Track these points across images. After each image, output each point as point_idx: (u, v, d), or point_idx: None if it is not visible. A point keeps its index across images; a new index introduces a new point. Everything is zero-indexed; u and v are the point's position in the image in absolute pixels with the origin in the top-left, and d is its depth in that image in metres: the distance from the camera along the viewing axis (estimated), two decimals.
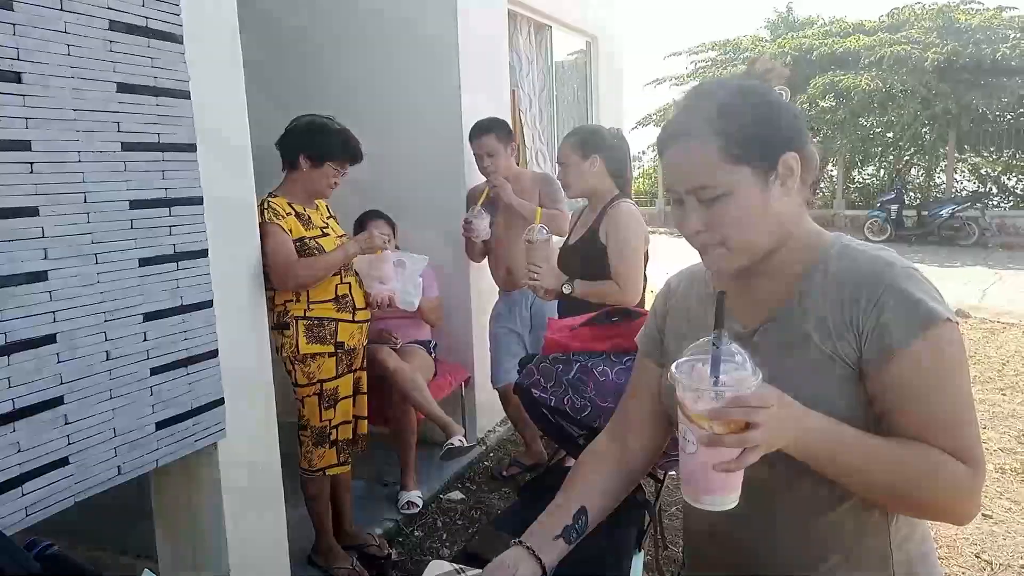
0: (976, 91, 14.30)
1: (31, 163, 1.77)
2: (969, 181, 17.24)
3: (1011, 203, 16.26)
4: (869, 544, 1.10)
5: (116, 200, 1.99)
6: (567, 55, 6.42)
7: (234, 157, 2.44)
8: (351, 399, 3.02)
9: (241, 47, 2.44)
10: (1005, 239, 13.70)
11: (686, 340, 1.19)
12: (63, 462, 1.87)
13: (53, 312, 1.84)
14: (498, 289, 3.97)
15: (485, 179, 3.75)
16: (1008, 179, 16.79)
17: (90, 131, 1.91)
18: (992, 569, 3.01)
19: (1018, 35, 14.53)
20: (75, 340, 1.89)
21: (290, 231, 2.76)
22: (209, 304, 2.29)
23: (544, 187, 3.74)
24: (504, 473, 4.01)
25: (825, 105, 16.11)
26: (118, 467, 2.02)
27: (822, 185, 18.97)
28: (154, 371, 2.12)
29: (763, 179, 1.03)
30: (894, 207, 14.45)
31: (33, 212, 1.78)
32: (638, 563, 1.93)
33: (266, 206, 2.74)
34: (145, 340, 2.09)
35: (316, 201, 2.97)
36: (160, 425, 2.14)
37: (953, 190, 16.07)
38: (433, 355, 3.92)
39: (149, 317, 2.10)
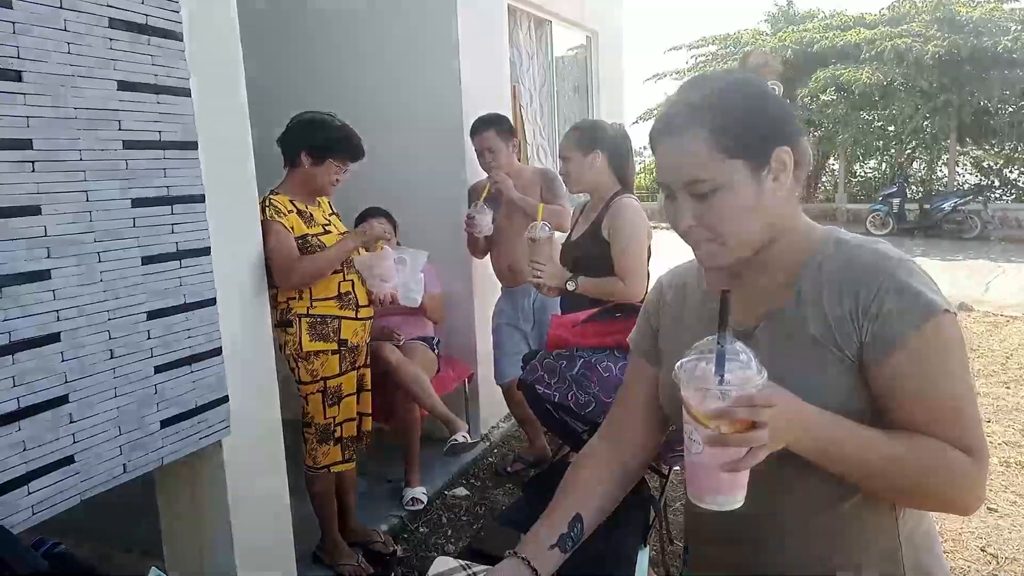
0: (977, 84, 14.26)
1: (32, 162, 1.77)
2: (971, 174, 17.23)
3: (1013, 196, 16.24)
4: (877, 539, 1.09)
5: (118, 198, 1.99)
6: (567, 50, 6.41)
7: (235, 154, 2.44)
8: (355, 396, 3.02)
9: (241, 44, 2.43)
10: (1007, 232, 13.68)
11: (681, 339, 1.18)
12: (68, 461, 1.87)
13: (56, 311, 1.83)
14: (500, 285, 3.97)
15: (486, 175, 3.75)
16: (1010, 172, 16.77)
17: (91, 129, 1.91)
18: (998, 562, 3.01)
19: (1019, 27, 14.48)
20: (79, 339, 1.89)
21: (292, 228, 2.76)
22: (212, 302, 2.29)
23: (545, 182, 3.74)
24: (508, 469, 4.02)
25: (826, 99, 16.09)
26: (123, 465, 2.02)
27: (824, 179, 19.00)
28: (158, 369, 2.12)
29: (756, 173, 1.03)
30: (896, 201, 14.43)
31: (35, 211, 1.78)
32: (643, 558, 1.93)
33: (267, 204, 2.74)
34: (149, 338, 2.09)
35: (318, 198, 2.97)
36: (165, 423, 2.14)
37: (955, 183, 16.05)
38: (436, 351, 3.91)
39: (152, 315, 2.10)
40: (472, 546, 1.84)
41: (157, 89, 2.09)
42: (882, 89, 15.06)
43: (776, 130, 1.04)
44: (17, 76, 1.73)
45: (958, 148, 16.13)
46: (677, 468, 2.67)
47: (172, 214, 2.15)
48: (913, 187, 16.71)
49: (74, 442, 1.89)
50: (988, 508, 3.44)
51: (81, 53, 1.88)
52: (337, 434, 2.95)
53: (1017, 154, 16.17)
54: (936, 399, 1.00)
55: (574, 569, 1.24)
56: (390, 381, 3.45)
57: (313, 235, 2.81)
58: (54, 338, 1.83)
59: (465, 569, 1.54)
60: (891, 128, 16.27)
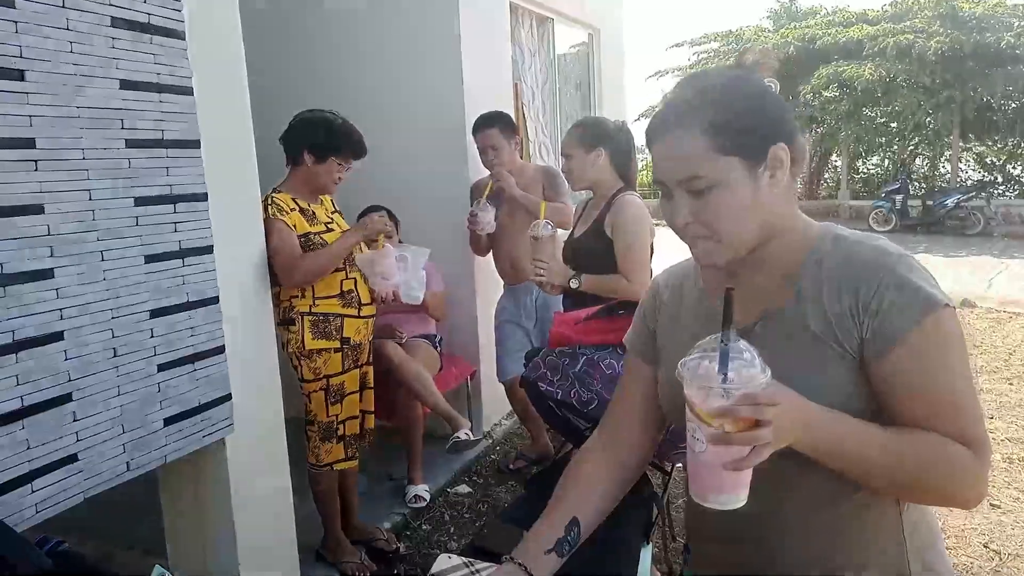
0: (980, 80, 14.23)
1: (35, 161, 1.77)
2: (974, 170, 17.19)
3: (1016, 192, 16.21)
4: (880, 535, 1.09)
5: (121, 197, 1.99)
6: (569, 48, 6.40)
7: (238, 153, 2.44)
8: (358, 394, 3.02)
9: (243, 42, 2.43)
10: (1010, 228, 13.65)
11: (680, 338, 1.18)
12: (72, 459, 1.88)
13: (60, 310, 1.84)
14: (503, 283, 3.97)
15: (488, 172, 3.75)
16: (1013, 168, 16.74)
17: (94, 128, 1.91)
18: (1001, 559, 3.01)
19: (1022, 23, 14.44)
20: (82, 337, 1.90)
21: (294, 227, 2.76)
22: (215, 300, 2.30)
23: (547, 180, 3.74)
24: (511, 466, 4.02)
25: (829, 95, 16.06)
26: (127, 463, 2.03)
27: (826, 176, 18.97)
28: (161, 367, 2.12)
29: (752, 170, 1.02)
30: (899, 197, 14.41)
31: (38, 210, 1.78)
32: (646, 555, 1.93)
33: (270, 202, 2.74)
34: (152, 337, 2.09)
35: (321, 197, 2.97)
36: (168, 421, 2.15)
37: (958, 180, 16.03)
38: (438, 349, 3.92)
39: (155, 314, 2.10)
40: (475, 543, 1.85)
41: (159, 88, 2.09)
42: (885, 85, 15.02)
43: (773, 127, 1.04)
44: (20, 75, 1.73)
45: (961, 144, 16.10)
46: (680, 465, 2.67)
47: (175, 213, 2.15)
48: (916, 183, 16.68)
49: (77, 440, 1.89)
50: (991, 504, 3.44)
51: (84, 52, 1.88)
52: (340, 432, 2.95)
53: (1020, 150, 16.15)
54: (936, 393, 1.00)
55: (577, 566, 1.24)
56: (392, 379, 3.46)
57: (315, 233, 2.81)
58: (57, 337, 1.84)
59: (468, 566, 1.54)
60: (894, 124, 16.25)
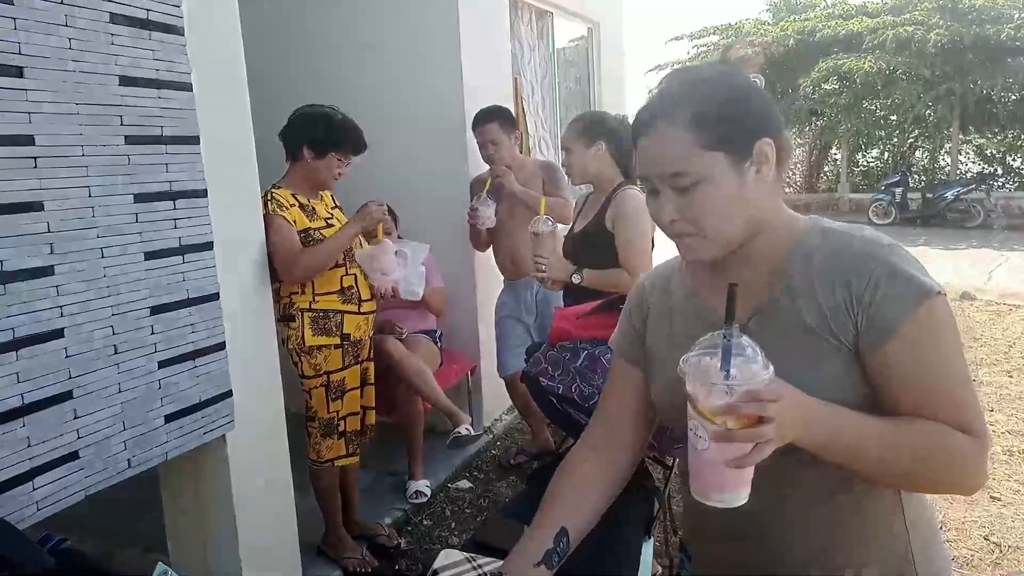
0: (980, 72, 14.20)
1: (35, 158, 1.77)
2: (974, 163, 17.17)
3: (1016, 184, 16.19)
4: (884, 529, 1.10)
5: (120, 194, 1.99)
6: (569, 42, 6.39)
7: (237, 149, 2.43)
8: (359, 390, 3.02)
9: (242, 39, 2.42)
10: (1010, 221, 13.64)
11: (671, 337, 1.18)
12: (73, 456, 1.88)
13: (60, 307, 1.84)
14: (503, 278, 3.97)
15: (488, 167, 3.75)
16: (1013, 160, 16.71)
17: (93, 125, 1.91)
18: (1001, 551, 3.01)
19: (1022, 15, 14.41)
20: (82, 335, 1.89)
21: (294, 222, 2.76)
22: (215, 297, 2.30)
23: (547, 175, 3.74)
24: (511, 461, 4.03)
25: (828, 88, 16.03)
26: (128, 460, 2.03)
27: (826, 169, 18.95)
28: (162, 364, 2.12)
29: (738, 166, 1.02)
30: (899, 190, 14.40)
31: (38, 207, 1.78)
32: (647, 549, 1.94)
33: (269, 198, 2.74)
34: (152, 334, 2.09)
35: (320, 192, 2.96)
36: (169, 418, 2.15)
37: (958, 172, 16.00)
38: (439, 344, 3.92)
39: (156, 311, 2.10)
40: (476, 539, 1.85)
41: (159, 84, 2.08)
42: (884, 78, 14.99)
43: (758, 123, 1.04)
44: (19, 72, 1.73)
45: (961, 137, 16.07)
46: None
47: (175, 209, 2.15)
48: (916, 176, 16.67)
49: (78, 438, 1.89)
50: (991, 497, 3.44)
51: (83, 49, 1.87)
52: (341, 428, 2.96)
53: (1020, 142, 16.11)
54: (933, 382, 1.00)
55: (579, 561, 1.24)
56: (393, 374, 3.46)
57: (315, 229, 2.81)
58: (57, 334, 1.83)
59: (470, 561, 1.54)
60: (893, 117, 16.21)
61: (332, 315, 2.86)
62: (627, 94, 7.11)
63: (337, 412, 2.93)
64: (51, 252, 1.81)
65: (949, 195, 13.79)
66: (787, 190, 19.09)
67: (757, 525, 1.11)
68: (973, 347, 5.96)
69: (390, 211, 3.74)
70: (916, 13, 15.31)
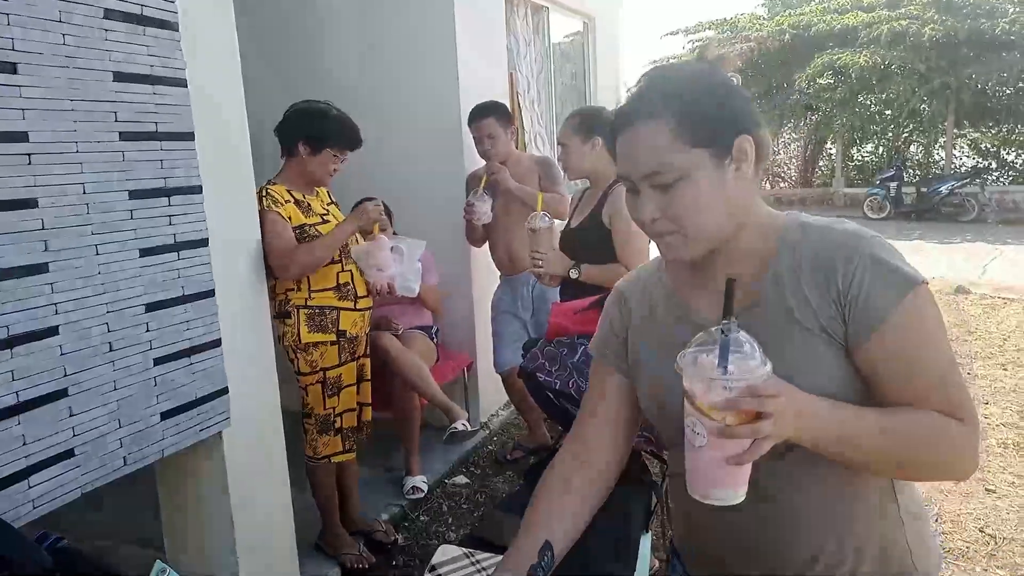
0: (975, 66, 14.21)
1: (29, 154, 1.76)
2: (968, 157, 17.20)
3: (1011, 178, 16.22)
4: (883, 517, 1.10)
5: (115, 190, 1.98)
6: (564, 37, 6.38)
7: (232, 145, 2.42)
8: (355, 387, 3.02)
9: (237, 33, 2.41)
10: (1005, 215, 13.66)
11: (657, 339, 1.18)
12: (69, 454, 1.87)
13: (55, 304, 1.83)
14: (499, 274, 3.97)
15: (484, 163, 3.74)
16: (1007, 154, 16.75)
17: (87, 121, 1.90)
18: (996, 543, 3.03)
19: (1017, 10, 14.42)
20: (77, 332, 1.89)
21: (289, 218, 2.75)
22: (211, 293, 2.29)
23: (543, 170, 3.73)
24: (508, 457, 4.03)
25: (823, 83, 16.05)
26: (124, 458, 2.02)
27: (821, 163, 18.97)
28: (157, 361, 2.12)
29: (718, 163, 1.02)
30: (893, 184, 14.42)
31: (32, 204, 1.77)
32: (646, 543, 1.94)
33: (264, 193, 2.73)
34: (148, 331, 2.08)
35: (316, 188, 2.95)
36: (165, 415, 2.14)
37: (952, 166, 16.03)
38: (435, 340, 3.91)
39: (151, 307, 2.09)
40: (474, 534, 1.85)
41: (153, 80, 2.08)
42: (879, 72, 15.01)
43: (737, 119, 1.04)
44: (12, 68, 1.72)
45: (955, 131, 16.10)
46: None
47: (169, 206, 2.14)
48: (910, 170, 16.69)
49: (74, 435, 1.89)
50: (986, 489, 3.46)
51: (77, 44, 1.86)
52: (337, 424, 2.95)
53: (1014, 136, 16.15)
54: (923, 370, 1.01)
55: (578, 557, 1.24)
56: (389, 370, 3.46)
57: (311, 225, 2.80)
58: (53, 331, 1.83)
59: (468, 557, 1.55)
60: (888, 112, 16.24)
61: (328, 312, 2.85)
62: (623, 89, 7.11)
63: (333, 408, 2.93)
64: (45, 249, 1.80)
65: (944, 189, 13.81)
66: (782, 185, 19.17)
67: (755, 523, 1.11)
68: (968, 341, 5.98)
69: (385, 208, 3.74)
70: (911, 8, 15.31)
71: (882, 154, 18.07)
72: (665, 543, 2.45)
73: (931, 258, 9.76)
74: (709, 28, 18.93)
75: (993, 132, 16.41)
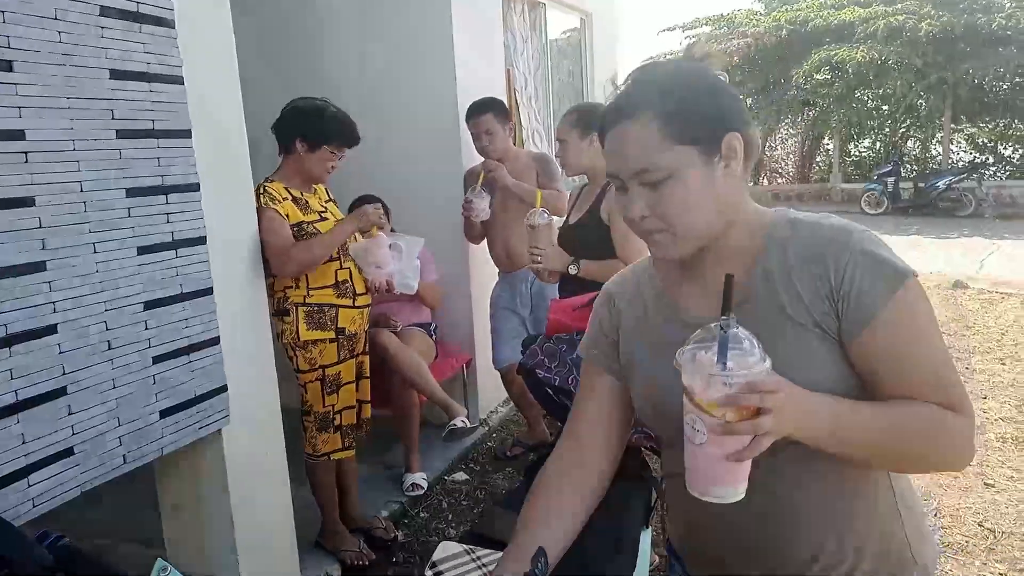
0: (972, 61, 14.22)
1: (25, 153, 1.75)
2: (965, 152, 17.21)
3: (1007, 173, 16.24)
4: (881, 510, 1.11)
5: (112, 188, 1.97)
6: (561, 33, 6.37)
7: (230, 142, 2.42)
8: (354, 384, 3.01)
9: (234, 31, 2.41)
10: (1002, 209, 13.68)
11: (650, 340, 1.17)
12: (68, 452, 1.87)
13: (53, 303, 1.83)
14: (497, 270, 3.96)
15: (483, 159, 3.74)
16: (1004, 148, 16.76)
17: (84, 119, 1.89)
18: (995, 537, 3.03)
19: (1013, 5, 14.43)
20: (76, 330, 1.88)
21: (287, 216, 2.74)
22: (209, 291, 2.28)
23: (541, 166, 3.73)
24: (508, 453, 4.03)
25: (821, 78, 16.05)
26: (123, 456, 2.02)
27: (818, 159, 18.97)
28: (156, 359, 2.11)
29: (707, 160, 1.02)
30: (891, 180, 14.44)
31: (29, 202, 1.76)
32: (646, 539, 1.94)
33: (262, 191, 2.72)
34: (146, 329, 2.08)
35: (314, 185, 2.95)
36: (164, 413, 2.14)
37: (950, 161, 16.04)
38: (434, 337, 3.91)
39: (149, 305, 2.09)
40: (475, 530, 1.85)
41: (150, 77, 2.07)
42: (876, 68, 15.01)
43: (726, 116, 1.04)
44: (8, 66, 1.71)
45: (952, 126, 16.11)
46: None
47: (167, 203, 2.14)
48: (908, 166, 16.70)
49: (73, 434, 1.89)
50: (985, 484, 3.46)
51: (73, 42, 1.86)
52: (336, 422, 2.95)
53: (1011, 131, 16.17)
54: (918, 363, 1.01)
55: (578, 552, 1.24)
56: (388, 368, 3.45)
57: (309, 222, 2.80)
58: (51, 330, 1.82)
59: (469, 553, 1.55)
60: (885, 107, 16.24)
61: (327, 309, 2.85)
62: (618, 85, 7.09)
63: (333, 406, 2.93)
64: (43, 248, 1.80)
65: (941, 184, 13.83)
66: (779, 181, 19.17)
67: (754, 521, 1.10)
68: (966, 335, 5.99)
69: (381, 204, 3.73)
70: (908, 3, 15.31)
71: (879, 149, 18.08)
72: (665, 538, 2.45)
73: (929, 253, 9.78)
74: (706, 24, 18.92)
75: (990, 127, 16.43)
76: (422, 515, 3.47)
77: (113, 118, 1.97)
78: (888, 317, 0.99)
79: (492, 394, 4.51)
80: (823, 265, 1.01)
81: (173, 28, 2.13)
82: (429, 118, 4.10)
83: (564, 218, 3.01)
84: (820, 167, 19.04)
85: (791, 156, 19.34)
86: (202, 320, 2.26)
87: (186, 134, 2.19)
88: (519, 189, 3.58)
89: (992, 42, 14.11)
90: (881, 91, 15.63)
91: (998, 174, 16.22)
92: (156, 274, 2.11)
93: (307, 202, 2.85)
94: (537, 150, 5.03)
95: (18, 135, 1.73)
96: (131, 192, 2.02)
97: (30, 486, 1.78)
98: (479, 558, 1.54)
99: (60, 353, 1.85)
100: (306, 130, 2.80)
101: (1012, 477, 3.53)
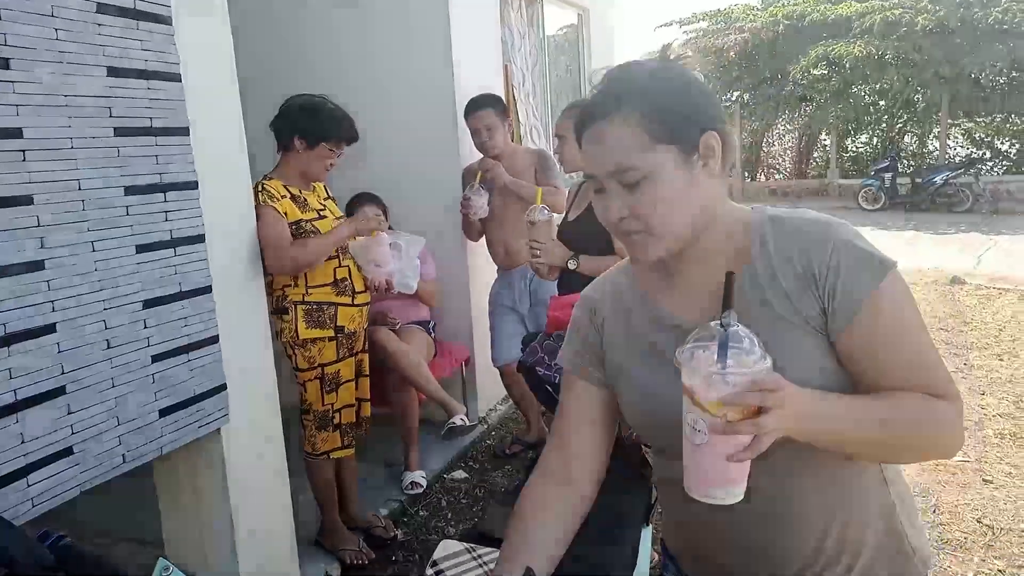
0: (968, 56, 14.23)
1: (23, 151, 1.75)
2: (962, 147, 17.22)
3: (1004, 168, 16.25)
4: (876, 502, 1.11)
5: (111, 187, 1.97)
6: (559, 29, 6.36)
7: (228, 140, 2.41)
8: (353, 382, 3.01)
9: (231, 28, 2.40)
10: (999, 204, 13.69)
11: (632, 348, 1.16)
12: (67, 452, 1.87)
13: (52, 302, 1.82)
14: (496, 268, 3.96)
15: (480, 157, 3.73)
16: (1001, 143, 16.77)
17: (82, 117, 1.88)
18: (994, 533, 3.04)
19: None
20: (75, 329, 1.88)
21: (285, 214, 2.73)
22: (208, 290, 2.28)
23: (539, 163, 3.72)
24: (507, 451, 4.03)
25: (817, 74, 16.05)
26: (122, 455, 2.02)
27: (815, 155, 18.98)
28: (155, 358, 2.11)
29: (685, 159, 1.01)
30: (888, 175, 14.43)
31: (27, 201, 1.76)
32: (646, 537, 1.94)
33: (260, 189, 2.71)
34: (145, 327, 2.08)
35: (313, 183, 2.94)
36: (163, 412, 2.13)
37: (947, 156, 16.05)
38: (432, 335, 3.91)
39: (148, 304, 2.08)
40: (476, 528, 1.85)
41: (147, 75, 2.06)
42: (873, 63, 15.02)
43: (703, 115, 1.03)
44: (5, 64, 1.70)
45: (949, 121, 16.11)
46: None
47: (165, 201, 2.13)
48: (905, 161, 16.70)
49: (72, 433, 1.88)
50: (984, 480, 3.47)
51: (70, 39, 1.85)
52: (336, 420, 2.95)
53: (1008, 125, 16.17)
54: (905, 353, 1.02)
55: (580, 549, 1.24)
56: (387, 366, 3.45)
57: (307, 220, 2.79)
58: (50, 329, 1.82)
59: (470, 551, 1.55)
60: (882, 102, 16.24)
61: (326, 307, 2.84)
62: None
63: (332, 404, 2.92)
64: (41, 246, 1.79)
65: (938, 180, 13.83)
66: (777, 176, 19.18)
67: (751, 521, 1.09)
68: (963, 331, 5.99)
69: (379, 202, 3.73)
70: None
71: (876, 145, 18.08)
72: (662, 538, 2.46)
73: (926, 248, 9.79)
74: (703, 19, 18.92)
75: (987, 122, 16.42)
76: (421, 513, 3.47)
77: (111, 116, 1.96)
78: (874, 308, 0.99)
79: (491, 392, 4.51)
80: (807, 260, 1.02)
81: (171, 25, 2.12)
82: (427, 114, 4.09)
83: (563, 215, 3.01)
84: (817, 163, 19.04)
85: (788, 152, 19.34)
86: (201, 319, 2.26)
87: (184, 132, 2.18)
88: (516, 186, 3.57)
89: (989, 37, 14.10)
90: (878, 86, 15.65)
91: (995, 169, 16.21)
92: (155, 272, 2.10)
93: (305, 200, 2.85)
94: (535, 146, 5.03)
95: (16, 133, 1.73)
96: (129, 190, 2.02)
97: (29, 485, 1.78)
98: (480, 556, 1.54)
99: (59, 352, 1.84)
100: (304, 127, 2.79)
101: (1010, 473, 3.54)
